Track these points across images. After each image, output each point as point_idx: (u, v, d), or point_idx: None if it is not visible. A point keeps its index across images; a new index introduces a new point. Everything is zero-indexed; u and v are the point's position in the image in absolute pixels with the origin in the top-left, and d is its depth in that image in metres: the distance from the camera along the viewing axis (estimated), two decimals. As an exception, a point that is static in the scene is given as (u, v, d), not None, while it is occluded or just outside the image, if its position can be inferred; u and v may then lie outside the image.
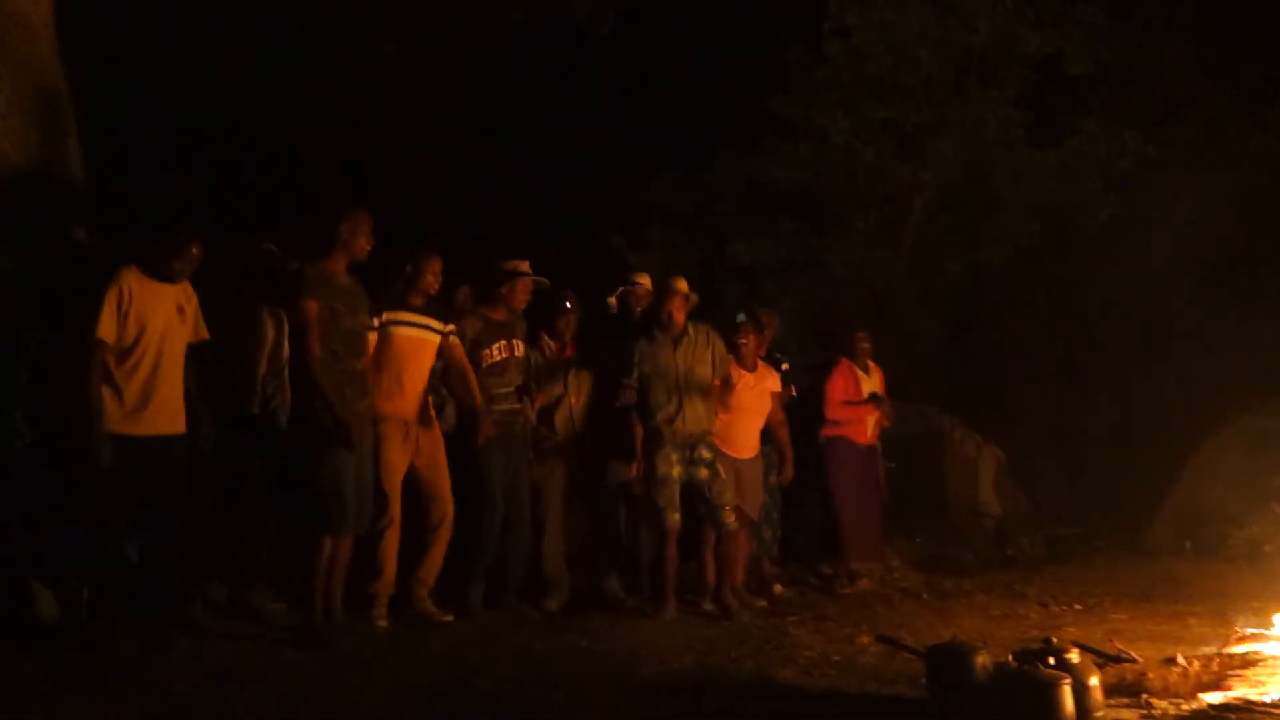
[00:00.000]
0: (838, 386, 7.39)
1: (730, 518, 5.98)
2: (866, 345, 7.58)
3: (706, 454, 5.98)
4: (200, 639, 4.71)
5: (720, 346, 6.14)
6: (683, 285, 6.05)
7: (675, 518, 5.88)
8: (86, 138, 5.62)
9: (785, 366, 7.07)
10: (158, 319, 4.70)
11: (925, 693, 4.15)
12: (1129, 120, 11.49)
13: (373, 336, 5.32)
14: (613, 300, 6.66)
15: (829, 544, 7.41)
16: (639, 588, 6.25)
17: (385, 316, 5.38)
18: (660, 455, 5.90)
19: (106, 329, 4.56)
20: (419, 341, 5.51)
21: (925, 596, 6.90)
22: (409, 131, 10.10)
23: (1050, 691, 3.70)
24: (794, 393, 7.11)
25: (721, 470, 6.01)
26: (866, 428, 7.44)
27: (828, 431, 7.39)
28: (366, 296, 5.22)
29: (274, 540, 5.47)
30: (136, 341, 4.65)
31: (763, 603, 6.46)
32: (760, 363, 6.63)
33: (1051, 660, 3.94)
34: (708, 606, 6.10)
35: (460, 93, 10.59)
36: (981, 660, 4.01)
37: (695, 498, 6.00)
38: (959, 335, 11.79)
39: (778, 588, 6.84)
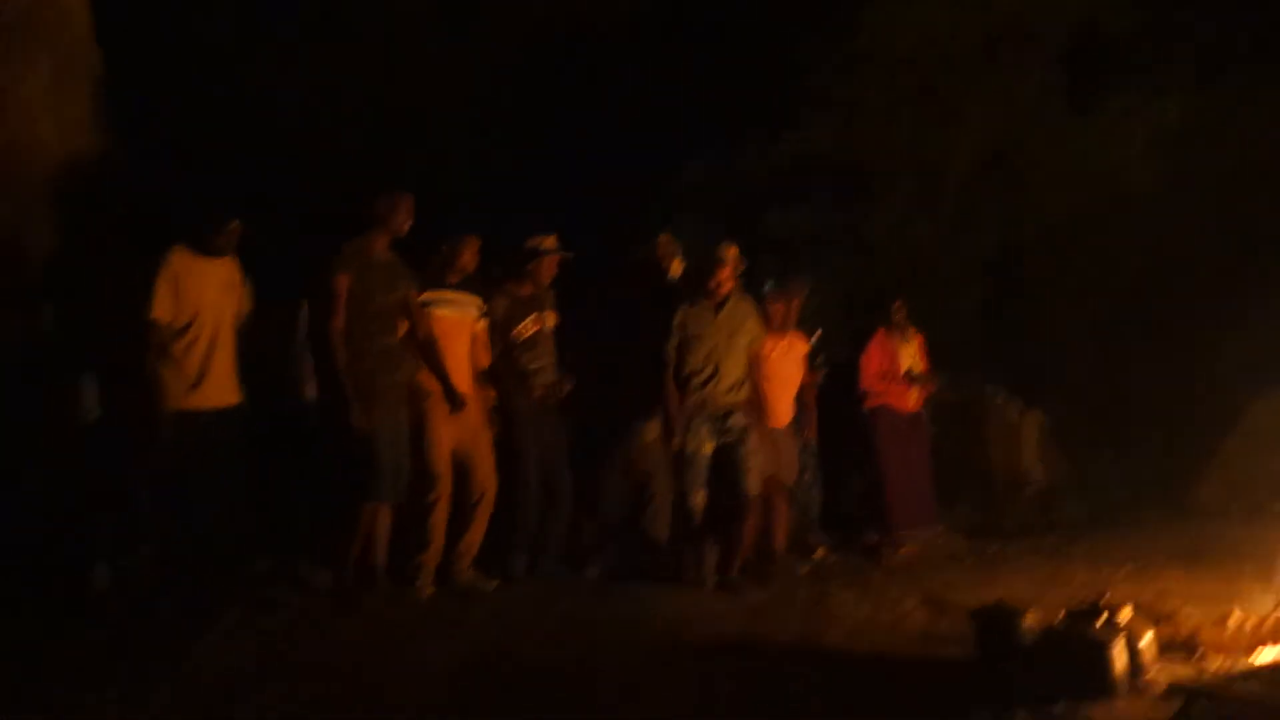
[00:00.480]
0: (873, 358, 7.38)
1: (753, 484, 5.82)
2: (902, 313, 7.54)
3: (740, 421, 5.88)
4: (249, 608, 4.76)
5: (758, 322, 6.06)
6: (733, 252, 5.97)
7: (701, 496, 5.78)
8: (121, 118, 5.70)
9: (819, 333, 7.03)
10: (209, 294, 4.89)
11: (974, 654, 4.12)
12: (1170, 82, 11.26)
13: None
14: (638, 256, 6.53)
15: (873, 513, 7.38)
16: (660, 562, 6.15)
17: (424, 296, 5.44)
18: (691, 431, 5.79)
19: (161, 309, 4.75)
20: (457, 320, 5.57)
21: (970, 561, 6.84)
22: (435, 119, 10.07)
23: (1102, 650, 3.65)
24: (819, 377, 7.05)
25: (751, 438, 5.88)
26: (909, 396, 7.41)
27: (871, 402, 7.37)
28: (408, 271, 5.27)
29: (313, 510, 5.54)
30: (192, 319, 4.83)
31: (805, 569, 6.45)
32: (789, 330, 6.63)
33: (1102, 619, 3.90)
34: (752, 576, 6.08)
35: (483, 80, 10.54)
36: (1030, 620, 3.98)
37: (721, 464, 5.82)
38: (999, 303, 11.63)
39: (820, 552, 6.84)
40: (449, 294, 5.55)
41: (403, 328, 5.31)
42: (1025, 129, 11.34)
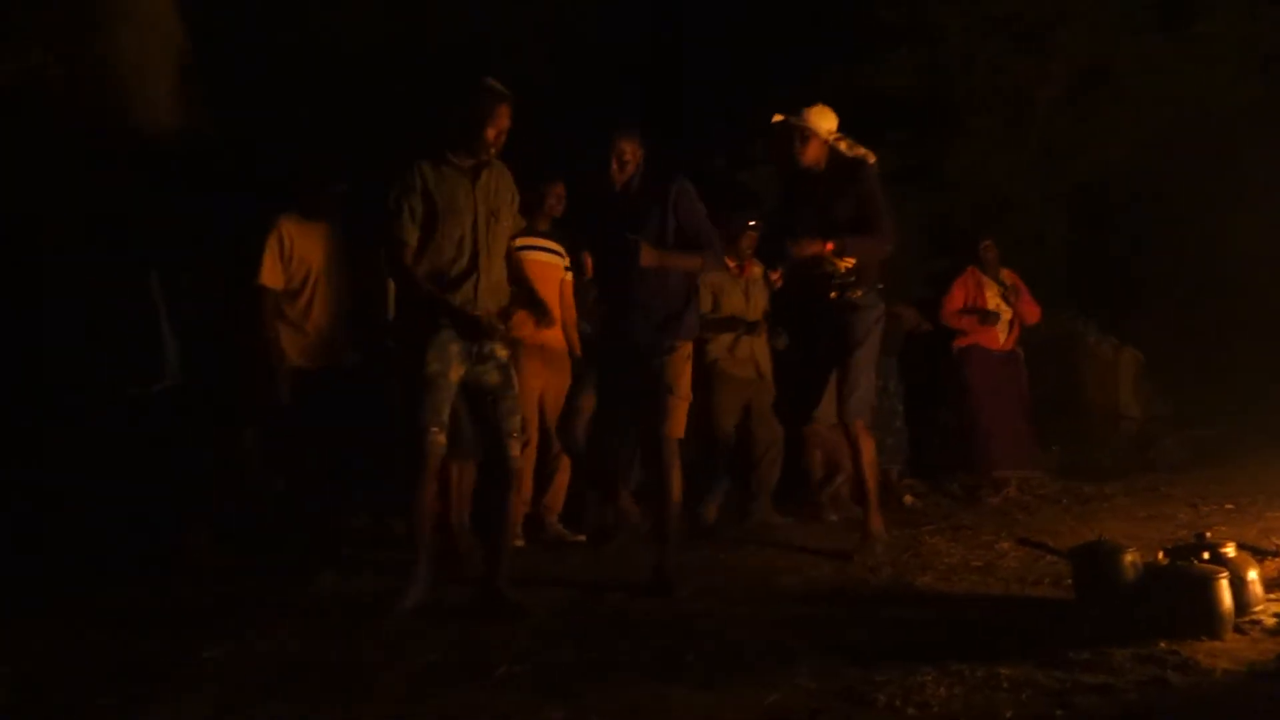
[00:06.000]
0: (956, 296, 7.25)
1: (516, 451, 4.15)
2: (993, 252, 7.35)
3: (501, 350, 4.14)
4: (346, 564, 4.88)
5: (514, 189, 4.26)
6: (503, 107, 4.02)
7: (440, 440, 4.02)
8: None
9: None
10: (318, 257, 5.04)
11: (1071, 593, 4.05)
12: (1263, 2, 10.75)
13: None
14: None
15: (967, 455, 7.25)
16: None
17: (515, 243, 5.44)
18: (434, 343, 3.98)
19: (269, 276, 4.93)
20: (546, 265, 5.60)
21: (1065, 502, 6.74)
22: (503, 64, 10.03)
23: (1207, 586, 3.54)
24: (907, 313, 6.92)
25: (516, 380, 4.21)
26: (998, 334, 7.21)
27: (960, 342, 7.23)
28: None
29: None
30: (304, 281, 5.00)
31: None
32: None
33: (1205, 556, 3.80)
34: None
35: (556, 21, 10.47)
36: (1130, 558, 3.88)
37: (478, 411, 4.16)
38: (1089, 235, 11.30)
39: (907, 498, 6.77)
40: (537, 240, 5.61)
41: None
42: (1114, 52, 10.92)
